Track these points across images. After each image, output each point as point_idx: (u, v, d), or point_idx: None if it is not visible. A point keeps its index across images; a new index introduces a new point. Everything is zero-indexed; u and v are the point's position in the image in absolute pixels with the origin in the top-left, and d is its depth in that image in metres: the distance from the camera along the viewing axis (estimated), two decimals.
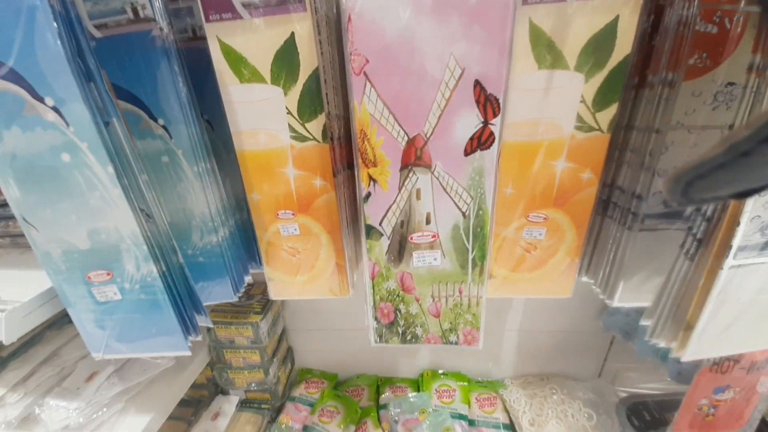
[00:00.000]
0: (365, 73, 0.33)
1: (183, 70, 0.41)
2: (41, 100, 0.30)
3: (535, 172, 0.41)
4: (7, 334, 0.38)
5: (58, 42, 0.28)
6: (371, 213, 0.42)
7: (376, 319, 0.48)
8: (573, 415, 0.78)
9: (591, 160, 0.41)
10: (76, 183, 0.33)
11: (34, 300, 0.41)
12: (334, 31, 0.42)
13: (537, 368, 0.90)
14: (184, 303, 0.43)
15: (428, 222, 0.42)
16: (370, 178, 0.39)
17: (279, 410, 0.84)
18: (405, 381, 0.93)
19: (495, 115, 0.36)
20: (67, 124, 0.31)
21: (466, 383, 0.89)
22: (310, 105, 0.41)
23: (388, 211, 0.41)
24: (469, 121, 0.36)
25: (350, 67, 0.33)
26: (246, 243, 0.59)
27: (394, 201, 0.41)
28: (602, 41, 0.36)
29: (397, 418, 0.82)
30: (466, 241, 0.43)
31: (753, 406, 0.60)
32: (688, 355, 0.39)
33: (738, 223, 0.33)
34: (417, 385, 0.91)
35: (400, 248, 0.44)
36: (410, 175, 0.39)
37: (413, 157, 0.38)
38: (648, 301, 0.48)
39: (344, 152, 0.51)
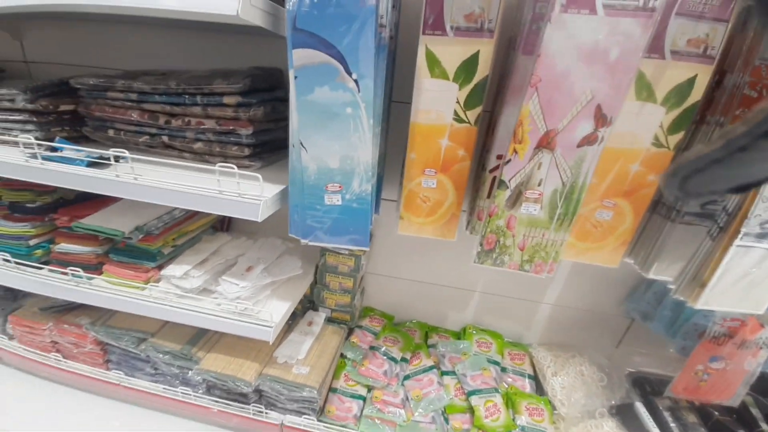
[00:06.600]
0: (536, 87, 0.52)
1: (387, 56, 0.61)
2: (350, 73, 0.51)
3: (616, 169, 0.61)
4: (261, 215, 0.60)
5: (373, 40, 0.49)
6: (507, 173, 0.60)
7: (481, 245, 0.67)
8: (589, 375, 0.98)
9: (657, 167, 0.61)
10: (348, 126, 0.54)
11: (275, 196, 0.63)
12: (502, 55, 0.62)
13: (561, 339, 1.09)
14: (371, 218, 0.64)
15: (539, 185, 0.60)
16: (515, 150, 0.58)
17: (350, 333, 1.06)
18: (449, 332, 1.14)
19: (603, 126, 0.55)
20: (359, 90, 0.52)
21: (500, 340, 1.09)
22: (474, 100, 0.61)
23: (517, 173, 0.60)
24: (586, 127, 0.55)
25: (528, 81, 0.53)
26: (377, 196, 0.79)
27: (523, 167, 0.59)
28: (683, 88, 0.55)
29: (444, 354, 1.04)
30: (558, 201, 0.61)
31: (740, 381, 0.78)
32: (699, 304, 0.59)
33: (747, 218, 0.53)
34: (458, 336, 1.12)
35: (516, 199, 0.62)
36: (539, 153, 0.58)
37: (545, 142, 0.57)
38: (673, 277, 0.67)
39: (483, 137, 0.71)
